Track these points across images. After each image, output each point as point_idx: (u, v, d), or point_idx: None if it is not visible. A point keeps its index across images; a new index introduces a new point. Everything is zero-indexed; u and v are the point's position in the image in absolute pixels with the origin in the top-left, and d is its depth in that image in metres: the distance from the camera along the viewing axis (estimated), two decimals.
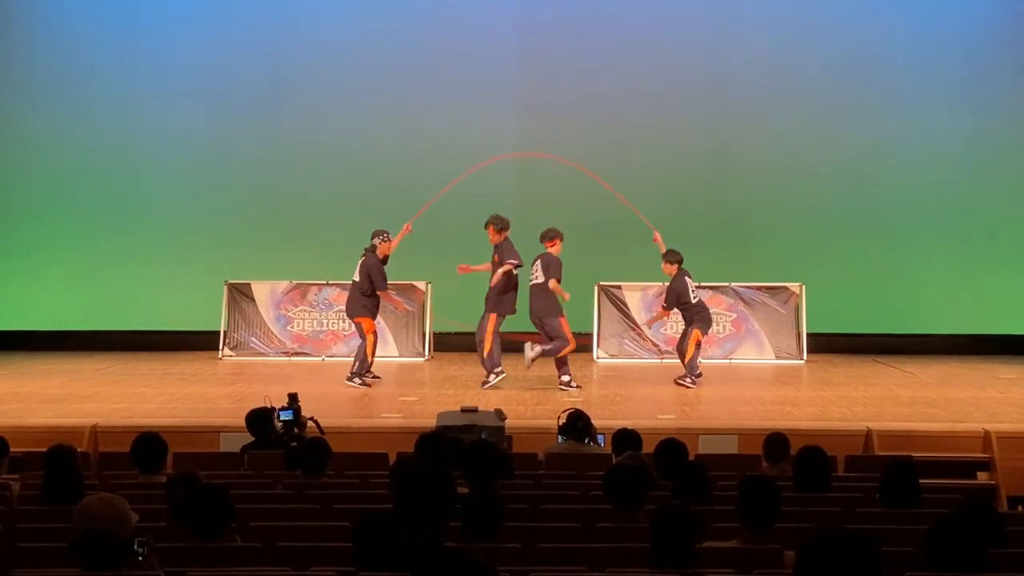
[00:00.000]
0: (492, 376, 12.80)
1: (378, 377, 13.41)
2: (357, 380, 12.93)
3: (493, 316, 12.82)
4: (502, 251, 12.82)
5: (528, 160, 16.50)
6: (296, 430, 9.03)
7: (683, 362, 13.10)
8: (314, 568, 5.34)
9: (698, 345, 13.06)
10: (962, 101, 16.66)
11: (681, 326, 13.84)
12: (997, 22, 16.76)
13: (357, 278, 13.13)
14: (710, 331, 13.84)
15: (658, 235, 13.42)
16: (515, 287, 12.91)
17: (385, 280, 13.12)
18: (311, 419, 9.30)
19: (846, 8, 16.81)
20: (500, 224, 12.85)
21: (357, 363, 13.08)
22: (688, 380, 12.94)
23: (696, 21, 16.80)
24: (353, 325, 13.73)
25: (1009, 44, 16.70)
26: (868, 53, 16.71)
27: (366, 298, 13.10)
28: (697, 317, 13.09)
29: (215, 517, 5.53)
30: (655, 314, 14.34)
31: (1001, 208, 16.64)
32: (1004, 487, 9.86)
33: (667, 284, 13.34)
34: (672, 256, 13.12)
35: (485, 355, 12.85)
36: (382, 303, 13.63)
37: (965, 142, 16.66)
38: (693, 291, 13.12)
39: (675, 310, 13.52)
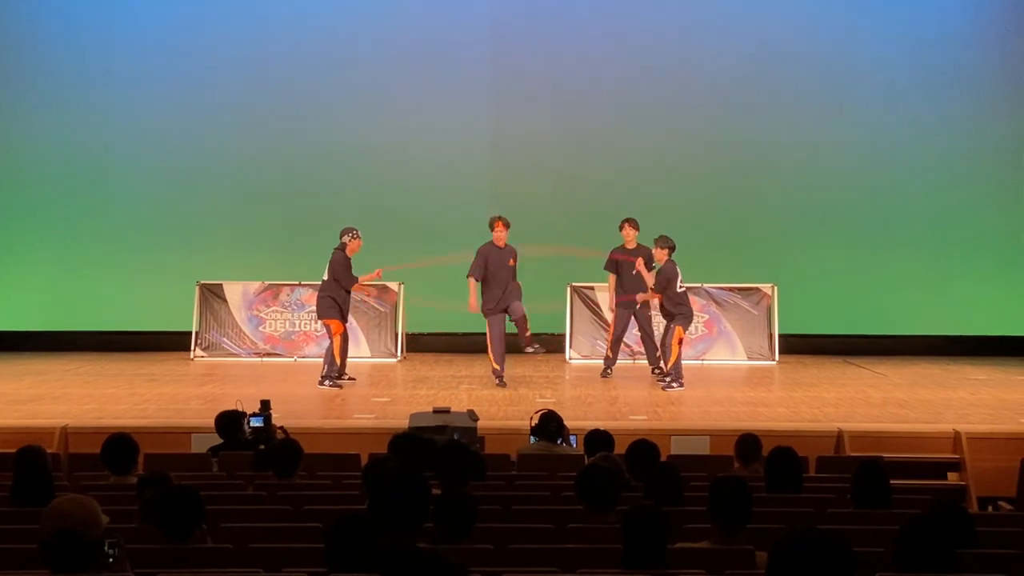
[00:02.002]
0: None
1: (353, 379, 13.36)
2: (328, 383, 12.89)
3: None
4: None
5: (502, 162, 16.53)
6: (265, 437, 9.01)
7: (667, 365, 13.07)
8: (286, 569, 5.32)
9: (681, 343, 13.03)
10: (933, 105, 16.73)
11: (656, 329, 13.90)
12: (967, 26, 16.84)
13: (326, 277, 13.08)
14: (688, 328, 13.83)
15: (640, 263, 13.37)
16: None
17: (350, 276, 12.98)
18: (280, 428, 9.26)
19: (818, 12, 16.86)
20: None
21: (326, 366, 13.04)
22: (676, 383, 12.88)
23: (667, 25, 16.80)
24: (322, 326, 13.70)
25: (978, 49, 16.79)
26: (840, 57, 16.78)
27: (333, 299, 13.04)
28: (678, 312, 12.99)
29: (186, 518, 5.50)
30: (645, 294, 13.50)
31: (972, 210, 16.72)
32: (974, 487, 9.93)
33: (656, 268, 13.22)
34: (664, 242, 13.00)
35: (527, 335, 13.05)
36: (354, 301, 13.58)
37: (937, 145, 16.74)
38: (680, 283, 13.10)
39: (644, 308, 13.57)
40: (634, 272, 13.39)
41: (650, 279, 13.16)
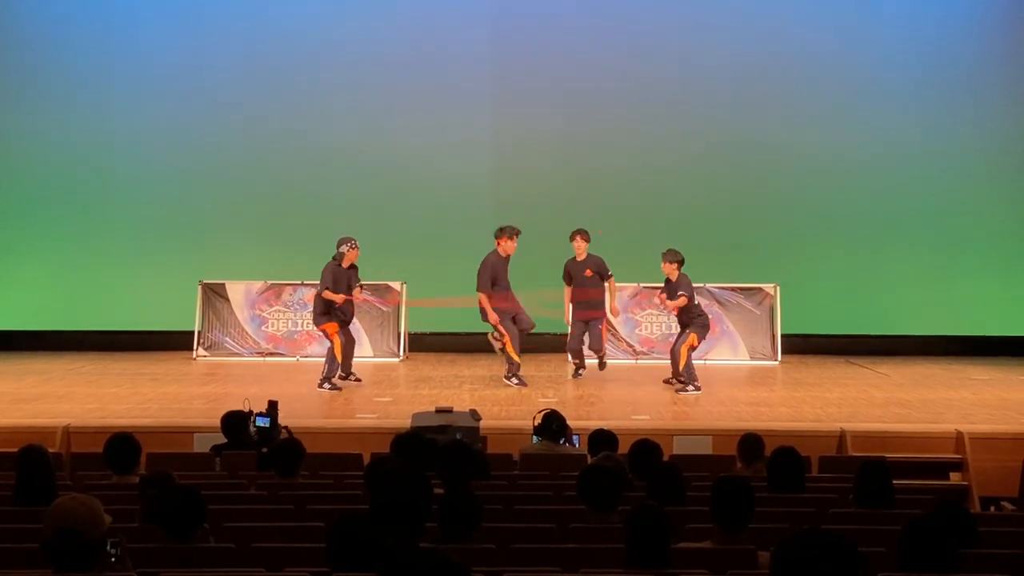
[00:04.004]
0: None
1: (360, 380, 13.29)
2: (327, 385, 12.74)
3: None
4: None
5: (504, 159, 16.53)
6: (270, 438, 8.99)
7: (677, 370, 13.00)
8: (288, 569, 5.32)
9: (691, 350, 12.95)
10: (935, 105, 16.74)
11: (658, 328, 13.88)
12: (967, 27, 16.83)
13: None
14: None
15: (664, 298, 13.30)
16: None
17: (331, 283, 12.70)
18: (285, 428, 9.25)
19: (818, 15, 16.85)
20: None
21: (326, 368, 12.91)
22: (691, 387, 12.75)
23: (669, 26, 16.80)
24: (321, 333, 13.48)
25: (981, 49, 16.79)
26: (841, 57, 16.78)
27: (325, 304, 12.87)
28: (696, 321, 12.95)
29: (188, 517, 5.50)
30: (673, 301, 13.07)
31: (974, 211, 16.72)
32: (976, 487, 9.92)
33: (668, 283, 13.04)
34: (672, 256, 12.93)
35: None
36: (356, 306, 13.47)
37: (939, 146, 16.74)
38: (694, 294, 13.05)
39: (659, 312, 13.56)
40: (669, 312, 13.30)
41: (672, 305, 13.05)
